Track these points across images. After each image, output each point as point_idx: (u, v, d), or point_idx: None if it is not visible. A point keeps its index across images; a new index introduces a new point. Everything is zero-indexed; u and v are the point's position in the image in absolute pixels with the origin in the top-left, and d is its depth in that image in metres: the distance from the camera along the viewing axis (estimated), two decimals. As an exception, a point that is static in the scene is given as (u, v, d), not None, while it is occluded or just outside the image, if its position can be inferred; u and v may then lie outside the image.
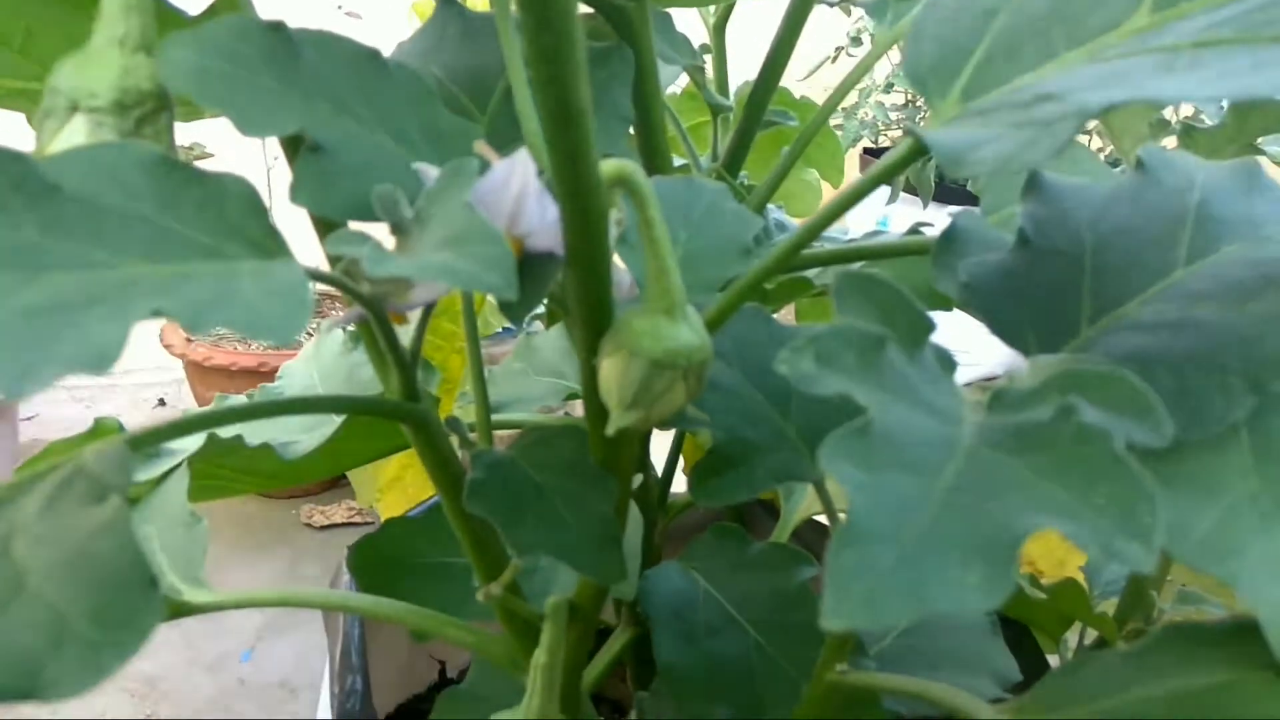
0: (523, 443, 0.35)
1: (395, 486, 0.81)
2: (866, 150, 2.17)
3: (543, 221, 0.27)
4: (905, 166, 0.27)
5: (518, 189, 0.26)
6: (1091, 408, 0.23)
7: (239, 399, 0.63)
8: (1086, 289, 0.29)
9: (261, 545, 1.50)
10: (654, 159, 0.39)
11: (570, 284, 0.28)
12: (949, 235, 0.31)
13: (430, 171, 0.27)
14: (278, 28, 0.27)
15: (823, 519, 0.58)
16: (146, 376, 1.93)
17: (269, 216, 0.25)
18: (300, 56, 0.27)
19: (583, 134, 0.24)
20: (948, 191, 1.75)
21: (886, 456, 0.22)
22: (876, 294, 0.26)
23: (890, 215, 1.83)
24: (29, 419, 1.67)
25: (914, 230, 0.44)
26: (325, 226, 0.31)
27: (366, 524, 1.50)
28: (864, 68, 0.45)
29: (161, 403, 2.01)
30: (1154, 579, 0.52)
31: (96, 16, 0.39)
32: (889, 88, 1.99)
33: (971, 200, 1.73)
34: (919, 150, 0.26)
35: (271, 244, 0.25)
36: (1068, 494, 0.21)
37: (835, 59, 1.87)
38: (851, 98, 1.90)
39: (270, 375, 1.44)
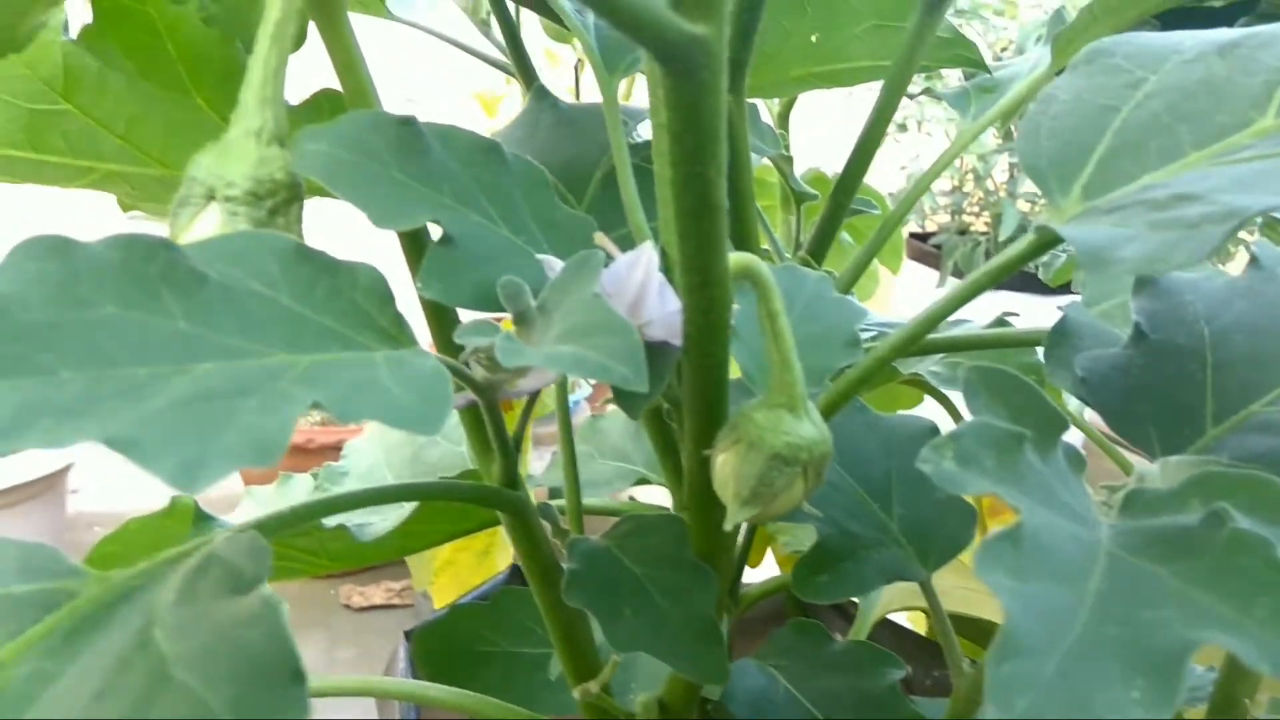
0: (618, 532, 0.35)
1: (448, 569, 0.80)
2: (913, 235, 2.17)
3: (662, 311, 0.27)
4: (1030, 259, 0.26)
5: (641, 279, 0.26)
6: (1240, 514, 0.22)
7: (304, 479, 0.63)
8: (1209, 386, 0.29)
9: (299, 626, 1.48)
10: (746, 249, 0.39)
11: (686, 374, 0.28)
12: (1061, 329, 0.31)
13: (554, 263, 0.27)
14: (408, 122, 0.27)
15: (896, 618, 0.57)
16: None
17: (395, 305, 0.26)
18: (428, 150, 0.27)
19: (717, 228, 0.24)
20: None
21: (1037, 564, 0.21)
22: (1007, 390, 0.25)
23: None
24: (74, 492, 1.68)
25: (1000, 321, 0.44)
26: (435, 315, 0.31)
27: (405, 606, 1.48)
28: (947, 160, 0.45)
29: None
30: (1246, 686, 0.50)
31: (215, 109, 0.41)
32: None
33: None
34: (1048, 244, 0.26)
35: (399, 333, 0.25)
36: (1225, 606, 0.21)
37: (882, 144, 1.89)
38: (899, 182, 1.92)
39: (318, 452, 1.44)
